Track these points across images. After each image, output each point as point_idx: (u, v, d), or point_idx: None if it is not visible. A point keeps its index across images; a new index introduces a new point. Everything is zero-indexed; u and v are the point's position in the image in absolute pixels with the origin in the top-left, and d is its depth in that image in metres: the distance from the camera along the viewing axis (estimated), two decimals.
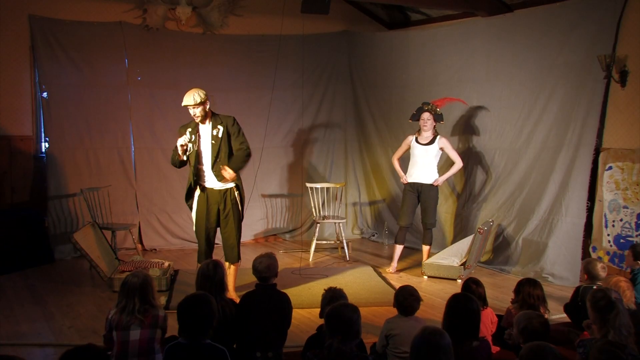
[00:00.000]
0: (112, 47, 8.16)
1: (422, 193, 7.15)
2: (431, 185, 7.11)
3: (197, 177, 5.90)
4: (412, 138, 7.23)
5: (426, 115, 7.04)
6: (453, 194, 8.37)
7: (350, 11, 9.65)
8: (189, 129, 5.85)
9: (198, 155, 5.86)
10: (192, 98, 5.69)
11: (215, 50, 8.79)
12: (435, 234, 8.42)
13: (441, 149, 7.10)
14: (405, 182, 7.24)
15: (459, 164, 7.15)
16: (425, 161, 7.10)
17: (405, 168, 7.36)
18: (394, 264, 7.39)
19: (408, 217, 7.26)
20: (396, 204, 8.70)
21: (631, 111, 6.48)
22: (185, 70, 8.54)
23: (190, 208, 6.06)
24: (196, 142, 5.84)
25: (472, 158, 8.07)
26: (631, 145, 6.49)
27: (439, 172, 7.17)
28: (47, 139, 7.89)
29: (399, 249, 7.39)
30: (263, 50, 8.96)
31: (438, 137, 7.10)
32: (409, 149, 7.27)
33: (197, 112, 5.75)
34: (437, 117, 7.10)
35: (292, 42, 8.79)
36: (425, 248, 7.33)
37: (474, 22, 8.07)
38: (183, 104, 5.74)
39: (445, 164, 7.44)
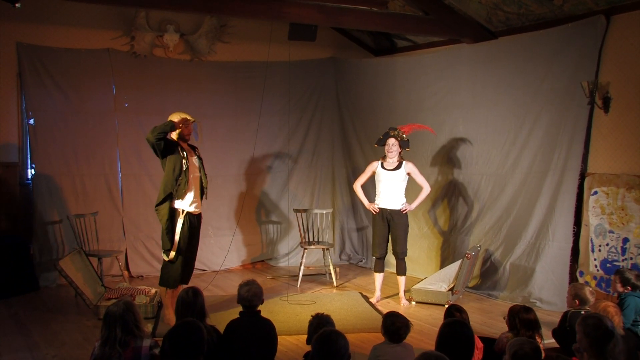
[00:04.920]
0: (100, 74, 8.17)
1: (392, 221, 6.99)
2: (400, 212, 6.98)
3: (182, 200, 6.00)
4: (377, 164, 7.10)
5: (392, 141, 6.92)
6: (440, 220, 8.39)
7: (337, 38, 9.74)
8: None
9: (189, 178, 6.03)
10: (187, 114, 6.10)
11: (203, 77, 8.82)
12: (423, 259, 8.45)
13: (408, 174, 6.99)
14: (371, 209, 7.06)
15: (426, 189, 7.04)
16: (391, 187, 6.96)
17: (371, 196, 7.28)
18: (377, 293, 7.24)
19: (381, 247, 7.09)
20: None
21: (615, 137, 6.56)
22: (173, 97, 8.55)
23: (170, 223, 6.01)
24: (188, 162, 6.02)
25: (458, 183, 8.11)
26: (615, 171, 6.56)
27: (407, 199, 7.05)
28: (33, 165, 7.83)
29: (379, 277, 7.23)
30: (250, 76, 9.00)
31: (404, 162, 6.99)
32: (373, 175, 7.15)
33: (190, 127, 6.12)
34: (403, 144, 6.97)
35: (279, 69, 8.85)
36: (401, 279, 7.15)
37: (459, 49, 8.16)
38: (182, 116, 6.02)
39: (416, 190, 7.26)
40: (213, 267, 8.62)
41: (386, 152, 6.98)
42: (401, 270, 7.14)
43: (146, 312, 6.28)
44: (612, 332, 3.45)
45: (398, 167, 6.97)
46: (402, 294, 7.18)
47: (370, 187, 7.48)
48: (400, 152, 7.00)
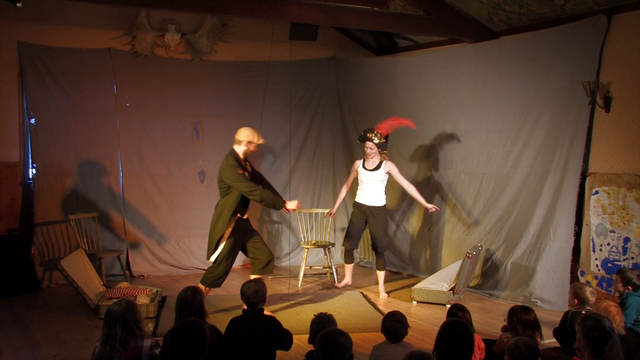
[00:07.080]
0: (101, 74, 8.17)
1: (371, 216, 7.23)
2: (378, 208, 7.21)
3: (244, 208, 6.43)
4: (359, 163, 7.36)
5: (370, 145, 7.11)
6: (441, 219, 8.37)
7: (338, 37, 9.74)
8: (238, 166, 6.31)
9: None
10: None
11: (204, 77, 8.82)
12: (424, 259, 8.45)
13: (388, 173, 7.21)
14: (330, 215, 7.66)
15: (411, 187, 7.29)
16: (371, 186, 7.21)
17: (354, 190, 7.56)
18: (347, 277, 7.64)
19: (353, 239, 7.41)
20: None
21: (616, 136, 6.56)
22: (174, 97, 8.56)
23: (222, 235, 6.45)
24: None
25: (460, 183, 8.10)
26: (616, 170, 6.55)
27: (387, 196, 7.34)
28: (34, 165, 7.84)
29: (349, 267, 7.62)
30: (251, 76, 9.00)
31: (384, 162, 7.21)
32: (357, 174, 7.38)
33: None
34: (381, 146, 7.16)
35: (280, 68, 8.84)
36: (380, 274, 7.42)
37: (460, 48, 8.15)
38: (261, 141, 6.38)
39: (395, 188, 7.51)
40: None
41: (365, 154, 7.21)
42: (380, 265, 7.41)
43: (147, 312, 6.28)
44: (610, 333, 3.47)
45: (378, 167, 7.19)
46: (381, 287, 7.43)
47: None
48: (380, 151, 7.21)
